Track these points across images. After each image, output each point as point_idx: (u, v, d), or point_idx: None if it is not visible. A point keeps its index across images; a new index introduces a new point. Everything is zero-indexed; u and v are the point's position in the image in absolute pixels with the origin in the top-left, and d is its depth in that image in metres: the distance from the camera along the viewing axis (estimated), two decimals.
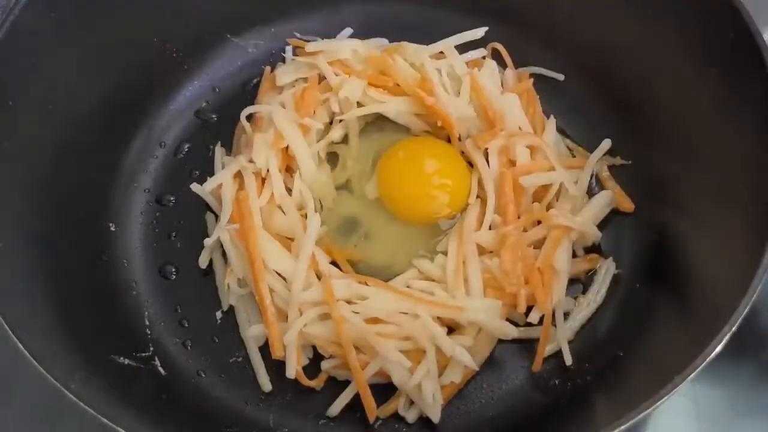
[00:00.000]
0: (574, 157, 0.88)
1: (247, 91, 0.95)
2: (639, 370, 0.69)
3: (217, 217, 0.82)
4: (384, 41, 0.93)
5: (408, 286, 0.76)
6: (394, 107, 0.87)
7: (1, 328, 0.60)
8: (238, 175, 0.82)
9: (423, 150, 0.86)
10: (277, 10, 0.97)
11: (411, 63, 0.89)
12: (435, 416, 0.72)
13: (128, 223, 0.85)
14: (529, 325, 0.76)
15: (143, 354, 0.76)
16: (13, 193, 0.71)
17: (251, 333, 0.76)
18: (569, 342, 0.75)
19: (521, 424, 0.73)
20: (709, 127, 0.75)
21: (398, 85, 0.87)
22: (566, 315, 0.78)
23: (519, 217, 0.79)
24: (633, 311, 0.77)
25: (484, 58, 0.91)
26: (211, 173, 0.86)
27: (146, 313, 0.80)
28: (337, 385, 0.75)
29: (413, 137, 0.88)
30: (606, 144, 0.86)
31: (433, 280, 0.77)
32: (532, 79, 0.90)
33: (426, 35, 0.91)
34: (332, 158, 0.88)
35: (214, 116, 0.93)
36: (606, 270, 0.80)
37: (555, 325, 0.76)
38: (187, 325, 0.80)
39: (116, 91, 0.86)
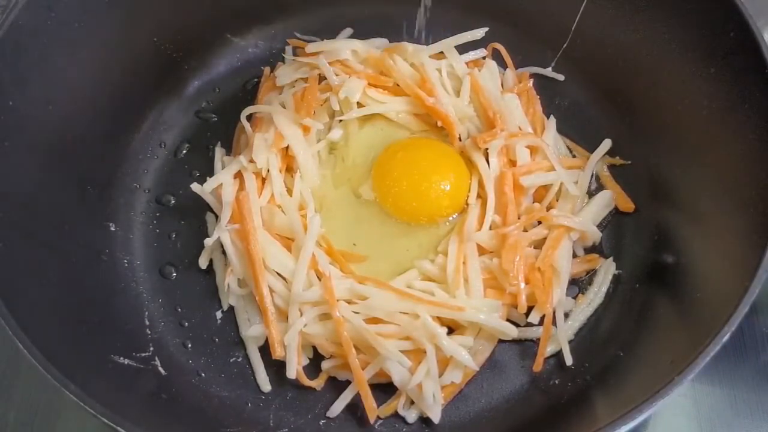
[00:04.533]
0: (574, 157, 0.88)
1: (247, 91, 0.95)
2: (639, 370, 0.69)
3: (217, 217, 0.82)
4: (384, 41, 0.93)
5: (408, 286, 0.76)
6: (394, 107, 0.87)
7: (1, 328, 0.60)
8: (238, 175, 0.82)
9: (421, 150, 0.86)
10: (277, 10, 0.97)
11: (411, 63, 0.89)
12: (435, 416, 0.72)
13: (128, 223, 0.85)
14: (530, 325, 0.76)
15: (143, 354, 0.75)
16: (13, 193, 0.71)
17: (251, 333, 0.76)
18: (569, 342, 0.75)
19: (521, 424, 0.72)
20: (709, 127, 0.75)
21: (398, 85, 0.88)
22: (566, 315, 0.78)
23: (519, 218, 0.79)
24: (633, 311, 0.77)
25: (484, 58, 0.92)
26: (211, 173, 0.86)
27: (146, 313, 0.80)
28: (337, 385, 0.75)
29: (412, 137, 0.88)
30: (606, 144, 0.87)
31: (434, 280, 0.77)
32: (532, 79, 0.90)
33: (426, 35, 0.91)
34: (332, 158, 0.88)
35: (214, 116, 0.94)
36: (606, 270, 0.80)
37: (555, 325, 0.76)
38: (187, 325, 0.80)
39: (116, 91, 0.86)
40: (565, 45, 0.92)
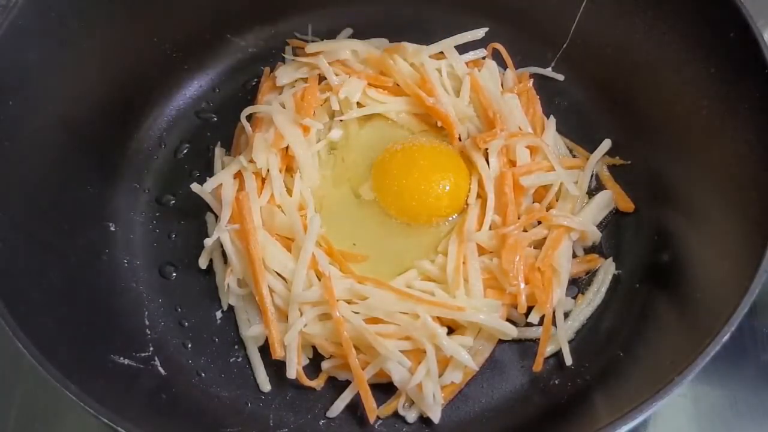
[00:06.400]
0: (574, 157, 0.88)
1: (247, 91, 0.95)
2: (639, 370, 0.69)
3: (217, 217, 0.82)
4: (384, 41, 0.93)
5: (408, 286, 0.76)
6: (394, 107, 0.88)
7: (1, 328, 0.60)
8: (238, 175, 0.82)
9: (421, 150, 0.86)
10: (277, 10, 0.97)
11: (411, 63, 0.89)
12: (435, 416, 0.72)
13: (128, 223, 0.85)
14: (530, 325, 0.76)
15: (143, 354, 0.76)
16: (13, 193, 0.71)
17: (251, 333, 0.76)
18: (569, 342, 0.75)
19: (521, 424, 0.72)
20: (709, 127, 0.75)
21: (398, 85, 0.88)
22: (566, 315, 0.78)
23: (519, 218, 0.79)
24: (633, 311, 0.77)
25: (484, 58, 0.92)
26: (211, 173, 0.86)
27: (146, 313, 0.80)
28: (337, 385, 0.75)
29: (412, 137, 0.88)
30: (606, 144, 0.87)
31: (434, 280, 0.77)
32: (532, 79, 0.90)
33: (426, 35, 0.91)
34: (332, 158, 0.88)
35: (214, 116, 0.94)
36: (606, 270, 0.80)
37: (555, 325, 0.76)
38: (187, 325, 0.80)
39: (116, 91, 0.86)
40: (565, 45, 0.92)
